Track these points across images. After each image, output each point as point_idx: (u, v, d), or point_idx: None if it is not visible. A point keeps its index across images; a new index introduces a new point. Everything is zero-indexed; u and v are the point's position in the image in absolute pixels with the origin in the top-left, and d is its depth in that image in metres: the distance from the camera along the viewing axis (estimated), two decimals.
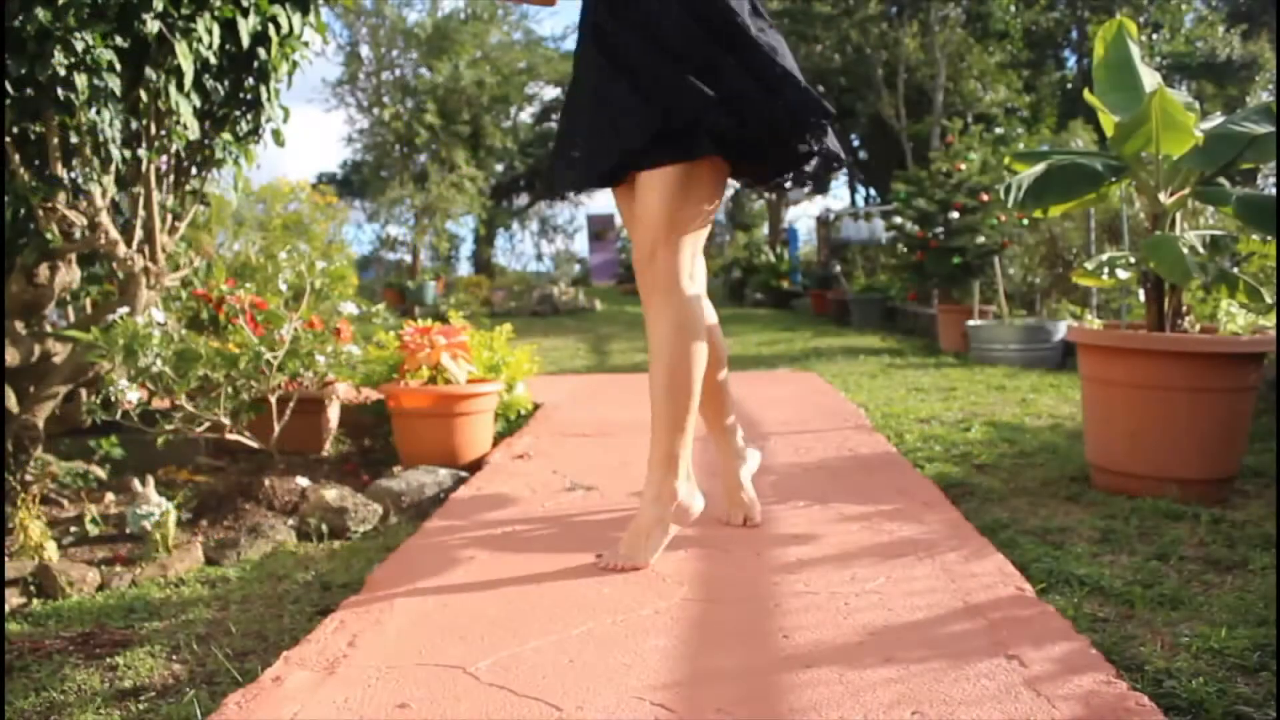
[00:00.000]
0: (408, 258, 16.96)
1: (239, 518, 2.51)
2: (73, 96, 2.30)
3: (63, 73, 2.25)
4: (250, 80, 2.86)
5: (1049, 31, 17.01)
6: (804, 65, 16.03)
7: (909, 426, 3.64)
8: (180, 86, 2.58)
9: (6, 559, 2.11)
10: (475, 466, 3.11)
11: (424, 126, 17.27)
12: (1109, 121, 2.68)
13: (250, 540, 2.32)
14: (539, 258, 26.55)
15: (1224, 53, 15.63)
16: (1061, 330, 5.78)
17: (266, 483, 2.67)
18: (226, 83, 2.82)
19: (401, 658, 1.49)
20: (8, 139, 2.43)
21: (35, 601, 1.98)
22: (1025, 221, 7.02)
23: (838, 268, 12.17)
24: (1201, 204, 3.11)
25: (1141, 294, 2.77)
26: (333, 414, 3.59)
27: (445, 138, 17.53)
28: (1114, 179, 2.72)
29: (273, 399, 2.89)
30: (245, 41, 2.67)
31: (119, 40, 2.41)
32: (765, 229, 20.76)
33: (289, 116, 3.05)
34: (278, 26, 2.78)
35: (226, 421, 2.78)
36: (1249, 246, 3.19)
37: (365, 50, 18.60)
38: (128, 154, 2.61)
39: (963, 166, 7.74)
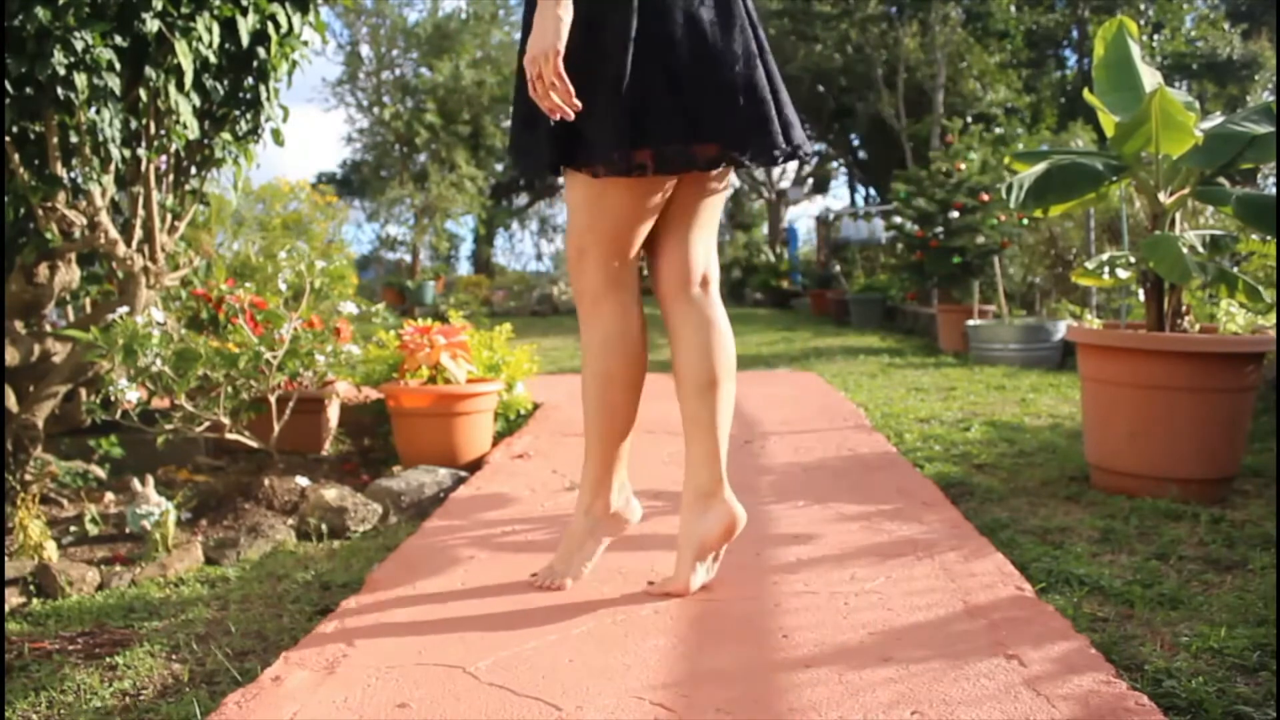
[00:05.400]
0: (407, 257, 16.95)
1: (239, 517, 2.51)
2: (72, 96, 2.30)
3: (62, 72, 2.25)
4: (250, 79, 2.86)
5: (1049, 31, 17.01)
6: (804, 65, 16.09)
7: (909, 426, 3.64)
8: (180, 86, 2.58)
9: (6, 558, 2.11)
10: (475, 466, 3.11)
11: (424, 126, 17.25)
12: (1109, 121, 2.68)
13: (250, 540, 2.32)
14: (539, 257, 26.51)
15: (1224, 52, 15.63)
16: (1061, 330, 5.78)
17: (266, 482, 2.67)
18: (226, 82, 2.82)
19: (401, 658, 1.49)
20: (8, 138, 2.43)
21: (35, 601, 1.98)
22: (1025, 221, 7.02)
23: (837, 267, 12.18)
24: (1201, 204, 3.11)
25: (1141, 294, 2.77)
26: (332, 414, 3.59)
27: (445, 138, 17.51)
28: (1114, 179, 2.72)
29: (272, 399, 2.89)
30: (245, 40, 2.67)
31: (118, 39, 2.41)
32: (765, 229, 20.76)
33: (288, 116, 3.05)
34: (277, 25, 2.78)
35: (226, 421, 2.77)
36: (1249, 246, 3.19)
37: (365, 50, 18.58)
38: (127, 153, 2.61)
39: (963, 166, 7.74)
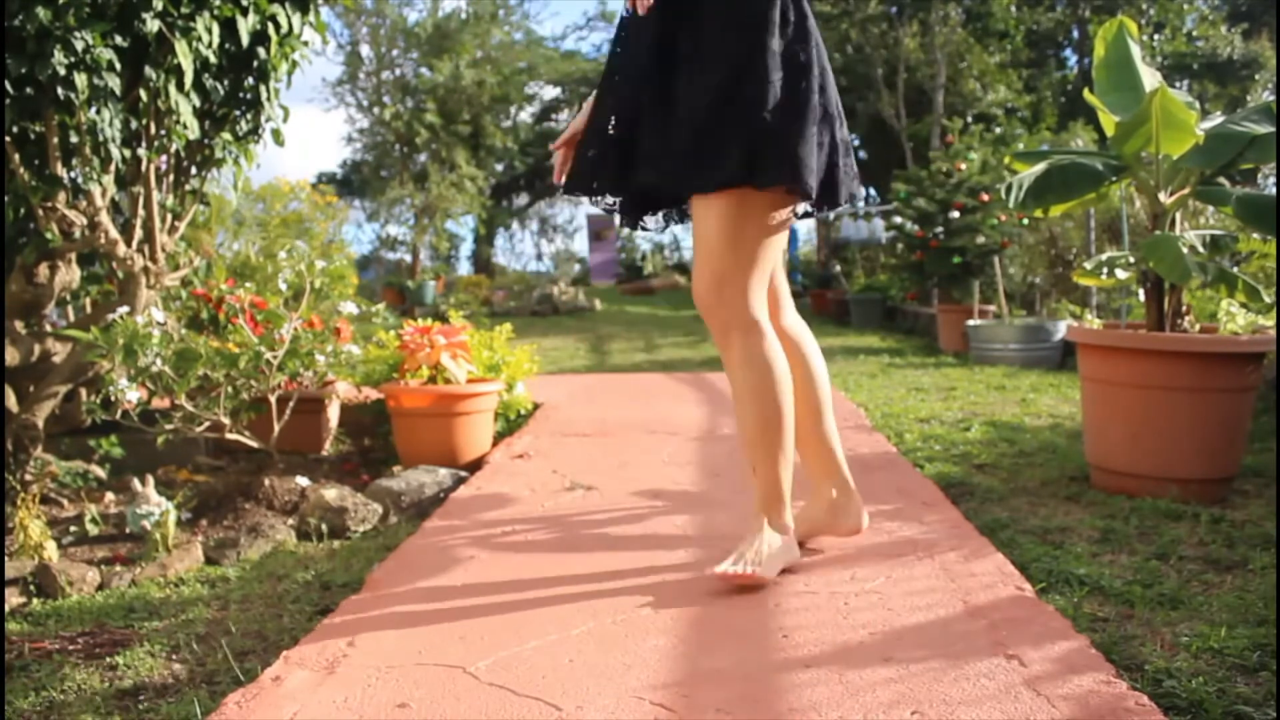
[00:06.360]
0: (407, 257, 16.95)
1: (239, 517, 2.51)
2: (72, 96, 2.30)
3: (62, 72, 2.25)
4: (250, 80, 2.86)
5: (1049, 31, 17.00)
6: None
7: (909, 426, 3.64)
8: (180, 86, 2.58)
9: (6, 559, 2.11)
10: (475, 466, 3.11)
11: (424, 126, 17.24)
12: (1109, 121, 2.68)
13: (250, 540, 2.32)
14: (539, 257, 26.50)
15: (1225, 52, 15.63)
16: (1061, 330, 5.78)
17: (266, 482, 2.67)
18: (226, 82, 2.82)
19: (401, 658, 1.49)
20: (8, 139, 2.43)
21: (35, 601, 1.98)
22: (1025, 221, 7.02)
23: (837, 267, 12.18)
24: (1201, 204, 3.11)
25: (1141, 294, 2.77)
26: (332, 414, 3.59)
27: (445, 137, 17.50)
28: (1114, 179, 2.72)
29: (272, 399, 2.89)
30: (245, 41, 2.67)
31: (119, 39, 2.41)
32: None
33: (289, 116, 3.05)
34: (277, 26, 2.78)
35: (226, 421, 2.77)
36: (1249, 246, 3.19)
37: (365, 50, 18.57)
38: (127, 153, 2.61)
39: (963, 166, 7.74)
